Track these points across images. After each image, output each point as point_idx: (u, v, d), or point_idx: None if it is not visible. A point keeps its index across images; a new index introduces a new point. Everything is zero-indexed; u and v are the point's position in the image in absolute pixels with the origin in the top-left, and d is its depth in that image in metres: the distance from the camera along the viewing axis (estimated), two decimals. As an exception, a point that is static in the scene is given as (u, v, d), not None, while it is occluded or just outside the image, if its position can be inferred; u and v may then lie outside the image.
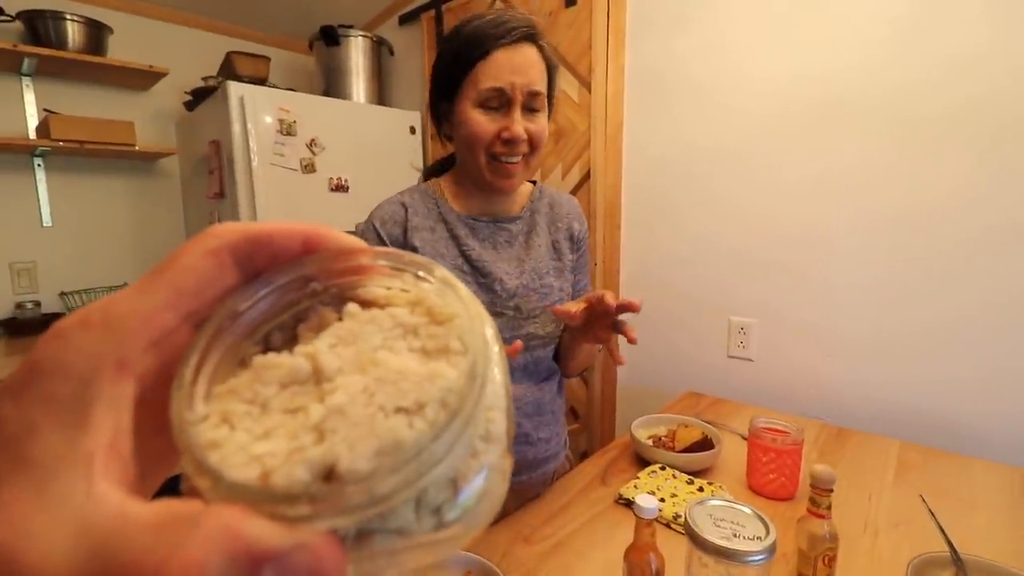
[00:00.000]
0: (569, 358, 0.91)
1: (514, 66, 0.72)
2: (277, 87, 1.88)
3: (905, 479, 0.96)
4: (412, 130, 2.08)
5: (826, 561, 0.63)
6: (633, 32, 1.60)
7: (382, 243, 0.78)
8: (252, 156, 1.64)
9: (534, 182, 0.92)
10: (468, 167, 0.80)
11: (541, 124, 0.77)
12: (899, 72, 1.17)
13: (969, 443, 1.14)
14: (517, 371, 0.83)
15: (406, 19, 2.22)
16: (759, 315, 1.43)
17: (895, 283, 1.22)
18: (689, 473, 0.95)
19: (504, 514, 0.85)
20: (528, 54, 0.74)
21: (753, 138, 1.39)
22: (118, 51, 1.87)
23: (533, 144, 0.77)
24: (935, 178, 1.15)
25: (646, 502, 0.58)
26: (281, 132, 1.70)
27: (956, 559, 0.67)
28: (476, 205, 0.84)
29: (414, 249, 0.77)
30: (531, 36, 0.74)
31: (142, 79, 1.93)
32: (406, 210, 0.80)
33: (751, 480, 0.92)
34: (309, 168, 1.78)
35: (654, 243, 1.63)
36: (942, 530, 0.72)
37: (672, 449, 1.01)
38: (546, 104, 0.78)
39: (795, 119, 1.32)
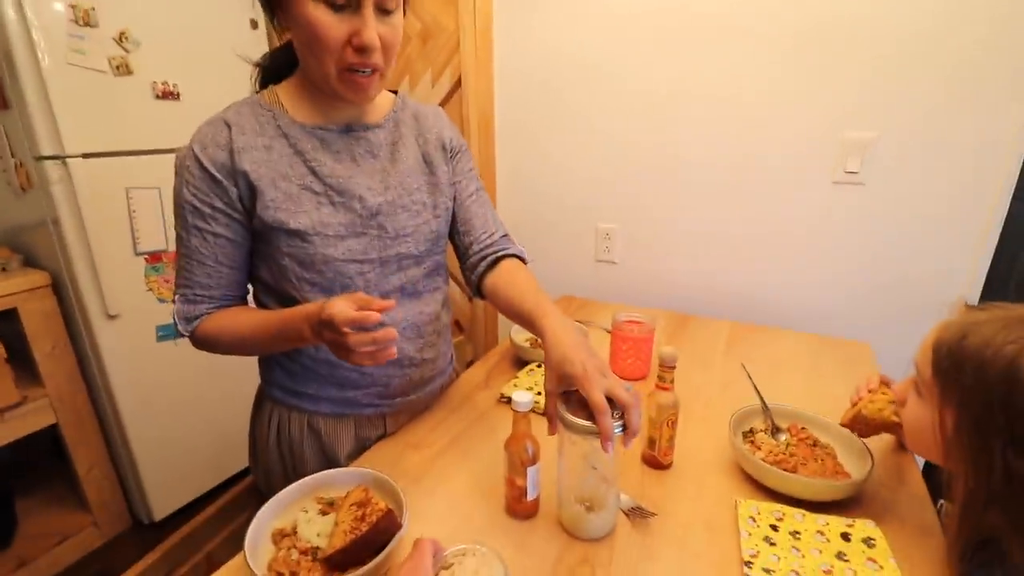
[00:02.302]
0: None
1: None
2: (60, -39, 1.47)
3: (733, 351, 1.15)
4: (254, 24, 1.79)
5: (670, 424, 0.75)
6: (497, -81, 1.48)
7: (204, 172, 0.68)
8: (40, 55, 1.31)
9: (395, 92, 0.84)
10: (312, 74, 0.69)
11: (395, 26, 0.67)
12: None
13: (781, 316, 1.38)
14: (393, 293, 0.79)
15: None
16: (622, 222, 1.54)
17: (733, 190, 1.37)
18: (562, 368, 1.05)
19: (396, 429, 0.88)
20: None
21: (616, 47, 1.41)
22: None
23: (387, 52, 0.67)
24: (769, 86, 1.27)
25: (521, 397, 0.64)
26: (76, 22, 1.36)
27: (765, 408, 0.84)
28: (325, 113, 0.73)
29: (244, 174, 0.68)
30: None
31: None
32: (230, 129, 0.68)
33: (613, 365, 1.05)
34: (123, 69, 1.47)
35: (526, 154, 1.64)
36: (755, 387, 0.89)
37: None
38: (401, 2, 0.68)
39: (655, 31, 1.35)
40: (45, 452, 1.93)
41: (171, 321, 1.73)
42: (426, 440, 0.85)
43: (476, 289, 0.87)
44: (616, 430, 0.59)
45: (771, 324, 1.32)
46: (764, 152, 1.31)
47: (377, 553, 0.55)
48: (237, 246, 0.73)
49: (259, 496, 0.94)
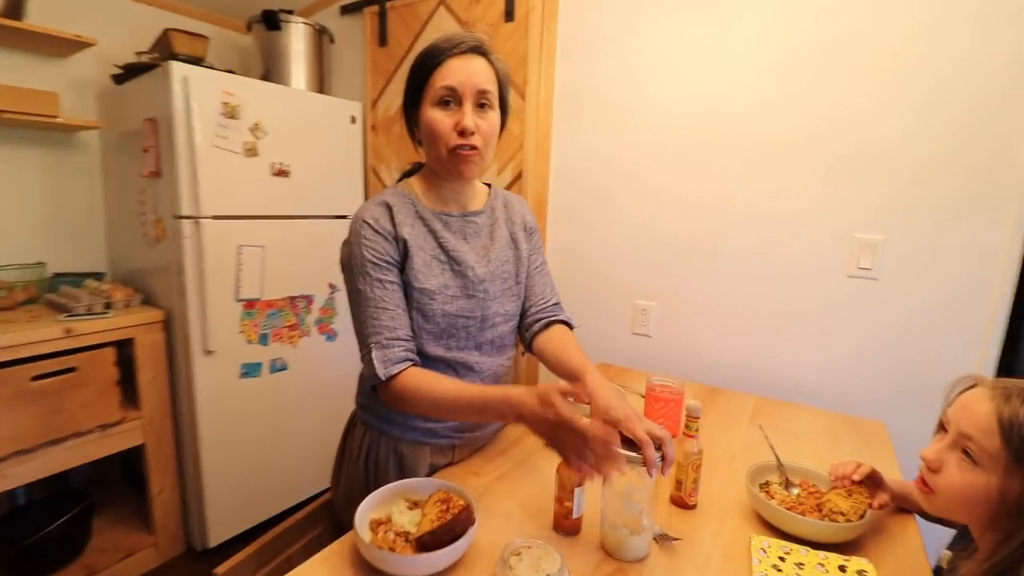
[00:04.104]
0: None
1: (464, 69, 0.86)
2: (213, 67, 1.88)
3: (756, 421, 1.27)
4: (353, 120, 2.16)
5: (694, 468, 0.89)
6: (562, 51, 1.82)
7: (378, 235, 0.87)
8: (195, 137, 1.66)
9: (488, 185, 1.07)
10: (433, 162, 0.92)
11: (491, 121, 0.87)
12: (770, 110, 1.49)
13: (801, 393, 1.50)
14: (485, 345, 0.97)
15: (348, 9, 2.29)
16: (657, 299, 1.72)
17: (759, 278, 1.55)
18: (601, 422, 1.20)
19: (459, 460, 1.03)
20: (477, 62, 0.87)
21: (654, 152, 1.67)
22: (36, 15, 1.78)
23: (483, 137, 0.86)
24: (792, 195, 1.48)
25: (573, 428, 0.80)
26: (225, 115, 1.73)
27: (779, 464, 0.96)
28: (445, 201, 0.96)
29: (404, 240, 0.88)
30: (479, 49, 0.88)
31: (64, 48, 1.84)
32: (390, 209, 0.90)
33: (647, 424, 1.18)
34: (252, 152, 1.81)
35: (574, 236, 1.87)
36: (771, 446, 1.01)
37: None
38: (496, 104, 0.90)
39: (688, 139, 1.61)
40: (118, 473, 2.13)
41: (253, 360, 1.93)
42: (484, 470, 1.01)
43: (528, 345, 1.05)
44: (656, 460, 0.73)
45: (793, 399, 1.44)
46: (786, 247, 1.50)
47: (455, 540, 0.70)
48: (403, 293, 0.89)
49: (332, 512, 1.10)
